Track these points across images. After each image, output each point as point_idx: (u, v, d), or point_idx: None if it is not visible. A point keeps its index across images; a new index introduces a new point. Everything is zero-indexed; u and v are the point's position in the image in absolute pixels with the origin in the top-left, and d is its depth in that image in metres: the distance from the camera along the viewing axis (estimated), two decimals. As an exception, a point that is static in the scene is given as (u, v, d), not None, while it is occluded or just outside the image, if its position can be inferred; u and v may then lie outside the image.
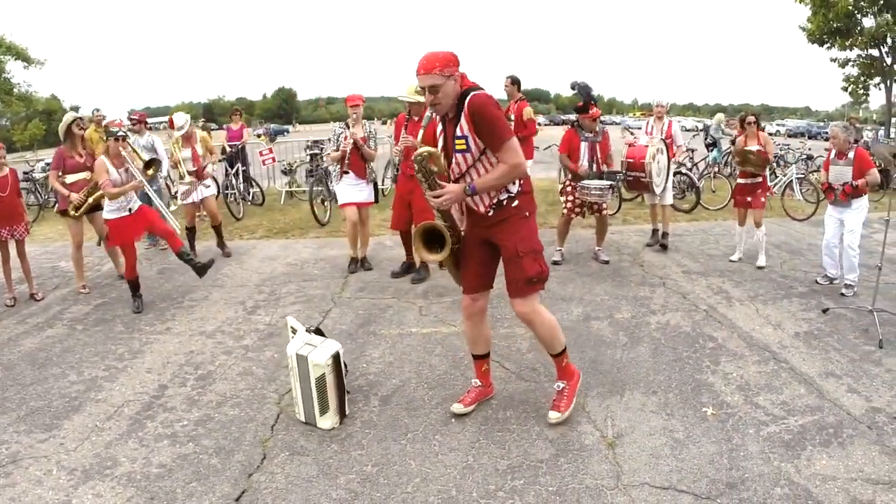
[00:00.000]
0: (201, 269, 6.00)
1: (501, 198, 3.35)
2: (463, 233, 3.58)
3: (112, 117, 9.48)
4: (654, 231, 8.10)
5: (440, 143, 3.40)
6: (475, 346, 3.82)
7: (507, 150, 3.19)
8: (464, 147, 3.25)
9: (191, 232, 7.78)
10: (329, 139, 8.31)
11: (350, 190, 6.77)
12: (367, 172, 6.78)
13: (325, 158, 10.83)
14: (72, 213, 6.28)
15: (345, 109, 6.91)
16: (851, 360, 4.50)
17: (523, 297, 3.44)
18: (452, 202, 3.30)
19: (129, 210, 5.80)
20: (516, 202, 3.37)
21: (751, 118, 7.07)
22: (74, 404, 4.03)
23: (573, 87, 7.15)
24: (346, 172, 6.65)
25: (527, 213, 3.42)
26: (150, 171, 6.27)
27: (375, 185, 7.01)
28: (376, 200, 7.08)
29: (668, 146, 7.54)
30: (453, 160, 3.32)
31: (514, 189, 3.35)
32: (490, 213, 3.38)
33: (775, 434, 3.51)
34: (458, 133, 3.24)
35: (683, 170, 11.01)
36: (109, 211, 5.75)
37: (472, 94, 3.17)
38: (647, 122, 8.07)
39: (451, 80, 3.15)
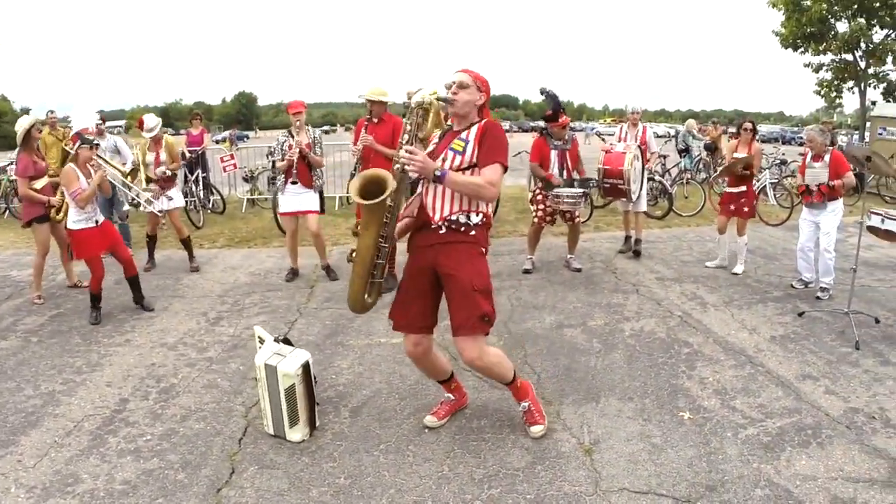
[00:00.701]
0: (138, 301, 5.96)
1: (460, 219, 3.20)
2: (397, 231, 3.32)
3: (79, 124, 9.22)
4: (627, 238, 8.10)
5: (428, 149, 3.31)
6: (436, 376, 3.71)
7: (493, 168, 3.12)
8: (460, 148, 3.18)
9: (151, 240, 7.57)
10: (273, 149, 8.20)
11: (293, 199, 6.67)
12: (312, 180, 6.68)
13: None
14: (56, 216, 6.11)
15: (309, 114, 6.79)
16: (828, 361, 4.51)
17: (473, 337, 3.21)
18: (416, 168, 3.03)
19: (96, 222, 5.60)
20: (473, 232, 3.24)
21: (748, 125, 7.01)
22: (31, 419, 3.83)
23: (542, 93, 7.13)
24: (295, 182, 6.57)
25: (482, 250, 3.30)
26: (129, 177, 6.27)
27: (321, 193, 6.88)
28: (322, 210, 6.94)
29: (642, 152, 7.53)
30: (441, 156, 3.22)
31: (475, 220, 3.23)
32: (442, 230, 3.21)
33: (754, 436, 3.49)
34: (463, 136, 3.22)
35: (656, 176, 11.09)
36: (75, 222, 5.52)
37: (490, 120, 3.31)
38: (621, 128, 8.04)
39: (476, 91, 3.25)
